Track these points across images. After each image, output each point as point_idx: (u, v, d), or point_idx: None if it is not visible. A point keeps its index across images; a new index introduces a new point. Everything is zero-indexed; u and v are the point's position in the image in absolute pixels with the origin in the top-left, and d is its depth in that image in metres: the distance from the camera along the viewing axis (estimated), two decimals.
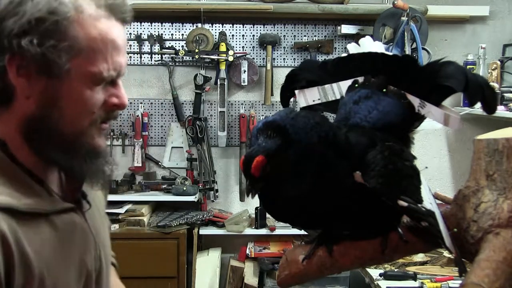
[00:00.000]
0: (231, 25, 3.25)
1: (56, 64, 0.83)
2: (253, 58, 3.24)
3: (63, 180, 0.94)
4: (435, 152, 3.35)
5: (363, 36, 1.15)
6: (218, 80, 3.17)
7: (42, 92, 0.84)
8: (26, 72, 0.83)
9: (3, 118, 0.86)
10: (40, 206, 0.85)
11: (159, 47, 3.20)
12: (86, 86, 0.86)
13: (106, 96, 0.89)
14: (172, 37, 3.24)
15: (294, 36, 3.28)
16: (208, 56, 3.12)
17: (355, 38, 3.13)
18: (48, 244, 0.85)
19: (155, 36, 3.20)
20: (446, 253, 2.44)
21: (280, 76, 3.26)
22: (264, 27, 3.27)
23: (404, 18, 2.93)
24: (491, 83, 2.70)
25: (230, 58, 3.11)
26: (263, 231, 3.10)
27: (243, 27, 3.26)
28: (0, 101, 0.85)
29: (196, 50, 3.08)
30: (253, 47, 3.27)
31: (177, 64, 3.25)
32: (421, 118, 0.93)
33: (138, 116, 3.23)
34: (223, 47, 3.14)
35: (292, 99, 1.03)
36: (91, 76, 0.85)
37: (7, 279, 0.78)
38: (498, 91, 2.79)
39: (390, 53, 0.97)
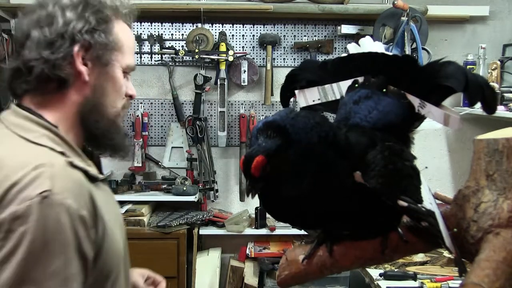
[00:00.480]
0: (231, 25, 3.25)
1: (108, 55, 1.08)
2: (253, 58, 3.24)
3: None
4: (435, 152, 3.35)
5: (363, 36, 1.15)
6: (218, 80, 3.17)
7: (96, 79, 1.07)
8: (88, 60, 1.06)
9: (56, 105, 1.06)
10: (96, 173, 1.06)
11: (159, 47, 3.20)
12: (122, 75, 1.11)
13: (127, 89, 1.15)
14: (172, 37, 3.24)
15: (294, 36, 3.28)
16: (208, 56, 3.12)
17: (355, 38, 3.13)
18: (104, 204, 1.04)
19: (155, 36, 3.20)
20: (446, 253, 2.44)
21: (280, 76, 3.26)
22: (264, 27, 3.27)
23: (404, 18, 2.93)
24: (491, 83, 2.70)
25: (230, 58, 3.11)
26: (263, 231, 3.10)
27: (243, 27, 3.26)
28: (59, 88, 1.05)
29: (196, 50, 3.08)
30: (253, 47, 3.27)
31: (177, 64, 3.25)
32: (421, 118, 0.93)
33: (138, 116, 3.23)
34: (223, 47, 3.14)
35: (292, 99, 1.03)
36: (126, 67, 1.11)
37: (95, 227, 0.99)
38: (498, 91, 2.79)
39: (390, 53, 0.97)
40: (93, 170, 1.05)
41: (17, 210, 0.90)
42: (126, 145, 1.16)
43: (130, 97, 1.15)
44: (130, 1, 1.19)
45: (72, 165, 1.00)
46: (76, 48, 1.04)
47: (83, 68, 1.05)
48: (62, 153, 1.00)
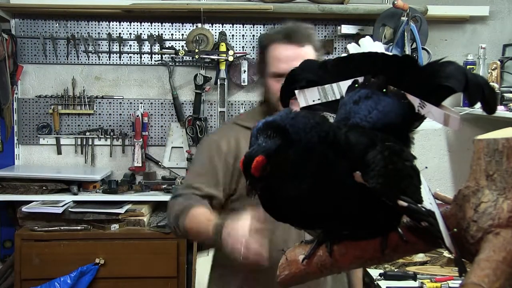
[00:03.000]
0: (231, 25, 3.26)
1: (262, 69, 1.72)
2: (253, 58, 3.24)
3: None
4: (435, 152, 3.35)
5: (363, 36, 1.15)
6: (218, 80, 3.17)
7: (264, 83, 1.73)
8: (262, 75, 1.75)
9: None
10: None
11: (159, 47, 3.20)
12: (272, 79, 1.66)
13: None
14: (172, 37, 3.24)
15: None
16: (208, 56, 3.12)
17: (355, 38, 3.13)
18: None
19: (155, 36, 3.20)
20: (446, 253, 2.44)
21: None
22: (264, 27, 3.27)
23: (404, 18, 2.93)
24: (491, 83, 2.70)
25: (230, 58, 3.11)
26: None
27: (243, 27, 3.26)
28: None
29: (196, 50, 3.08)
30: (253, 47, 3.27)
31: (177, 64, 3.25)
32: (421, 118, 0.93)
33: (138, 116, 3.23)
34: (223, 47, 3.14)
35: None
36: (272, 74, 1.66)
37: (232, 157, 1.66)
38: (498, 91, 2.79)
39: (390, 53, 0.97)
40: None
41: None
42: None
43: None
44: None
45: (235, 123, 1.75)
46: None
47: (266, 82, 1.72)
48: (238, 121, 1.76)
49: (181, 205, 1.63)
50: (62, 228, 2.87)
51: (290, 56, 1.63)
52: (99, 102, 3.29)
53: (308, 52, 1.66)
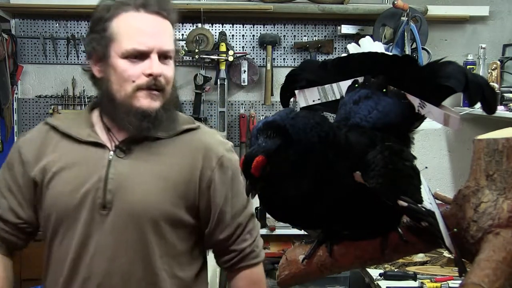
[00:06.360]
0: (231, 25, 3.25)
1: (102, 50, 1.29)
2: (253, 58, 3.24)
3: (114, 136, 1.35)
4: (435, 152, 3.35)
5: (363, 36, 1.15)
6: (218, 80, 3.17)
7: (101, 72, 1.32)
8: (95, 62, 1.33)
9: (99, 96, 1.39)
10: (76, 135, 1.34)
11: None
12: (125, 61, 1.27)
13: (143, 69, 1.26)
14: None
15: (294, 36, 3.28)
16: (208, 56, 3.12)
17: (355, 38, 3.13)
18: (70, 154, 1.33)
19: None
20: (446, 253, 2.44)
21: (280, 76, 3.26)
22: (264, 27, 3.27)
23: (404, 18, 2.93)
24: (491, 83, 2.70)
25: (230, 58, 3.11)
26: (263, 231, 3.10)
27: (243, 27, 3.26)
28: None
29: (196, 50, 3.08)
30: (253, 47, 3.27)
31: (177, 64, 3.22)
32: (421, 118, 0.93)
33: None
34: (223, 47, 3.14)
35: (292, 99, 1.03)
36: (123, 53, 1.27)
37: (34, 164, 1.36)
38: (498, 91, 2.79)
39: (390, 53, 0.97)
40: (72, 133, 1.34)
41: None
42: (138, 124, 1.29)
43: (151, 74, 1.27)
44: None
45: (46, 123, 1.40)
46: (91, 59, 1.35)
47: (94, 69, 1.34)
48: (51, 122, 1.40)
49: None
50: None
51: (153, 28, 1.29)
52: None
53: (170, 29, 1.33)
